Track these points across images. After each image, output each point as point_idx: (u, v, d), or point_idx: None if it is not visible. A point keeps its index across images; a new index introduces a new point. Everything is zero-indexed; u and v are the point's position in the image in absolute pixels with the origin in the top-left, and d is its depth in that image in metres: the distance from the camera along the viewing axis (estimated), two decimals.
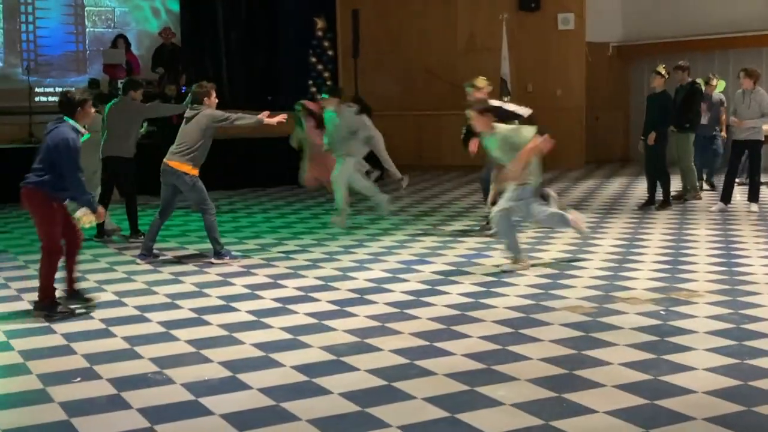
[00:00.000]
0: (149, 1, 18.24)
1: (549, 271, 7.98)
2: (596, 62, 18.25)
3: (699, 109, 12.67)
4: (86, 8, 17.73)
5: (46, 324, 6.38)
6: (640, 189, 13.54)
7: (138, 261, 8.59)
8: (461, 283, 7.56)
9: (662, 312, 6.46)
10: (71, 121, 6.56)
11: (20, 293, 7.33)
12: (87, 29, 17.76)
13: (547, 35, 17.64)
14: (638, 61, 19.03)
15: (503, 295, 7.09)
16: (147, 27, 18.17)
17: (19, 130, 13.92)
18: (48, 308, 6.57)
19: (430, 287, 7.42)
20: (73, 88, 7.00)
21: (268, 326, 6.29)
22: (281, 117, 8.86)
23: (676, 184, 12.53)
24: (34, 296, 7.21)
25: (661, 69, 11.71)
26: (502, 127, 8.18)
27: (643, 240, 9.50)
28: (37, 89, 16.44)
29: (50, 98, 16.71)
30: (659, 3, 18.20)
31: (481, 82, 10.24)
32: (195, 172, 8.46)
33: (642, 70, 18.76)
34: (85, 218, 6.66)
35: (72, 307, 6.72)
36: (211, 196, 8.74)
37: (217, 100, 8.83)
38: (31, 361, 5.50)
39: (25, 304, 6.95)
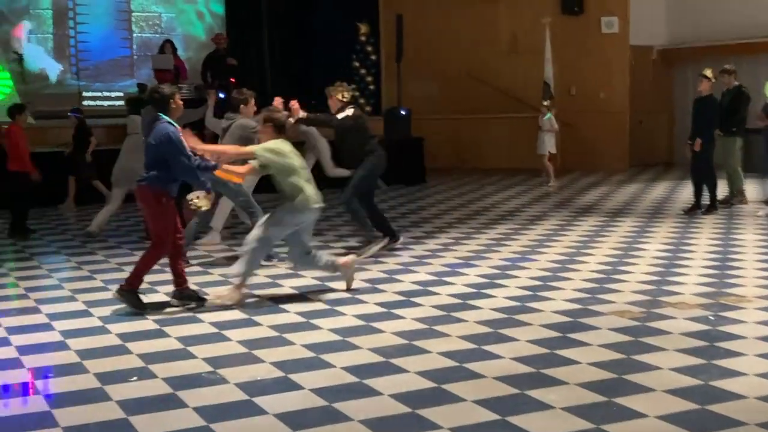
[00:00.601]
0: (193, 5, 18.47)
1: (596, 275, 7.97)
2: (640, 66, 18.14)
3: (745, 112, 12.53)
4: (134, 14, 18.01)
5: (101, 324, 6.53)
6: (686, 193, 13.45)
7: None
8: (507, 286, 7.59)
9: (711, 317, 6.44)
10: (165, 117, 6.83)
11: (74, 294, 7.49)
12: (134, 34, 18.03)
13: (591, 38, 17.58)
14: (682, 64, 18.88)
15: (550, 299, 7.10)
16: (192, 31, 18.41)
17: (67, 133, 14.17)
18: (128, 296, 6.80)
19: (476, 290, 7.45)
20: (163, 86, 7.27)
21: (318, 327, 6.37)
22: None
23: (722, 189, 12.42)
24: (89, 297, 7.40)
25: (708, 72, 11.63)
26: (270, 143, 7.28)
27: (689, 244, 9.45)
28: (85, 93, 16.74)
29: (98, 102, 17.04)
30: (704, 6, 18.04)
31: (335, 90, 9.23)
32: (238, 180, 8.53)
33: (686, 73, 18.61)
34: (199, 201, 6.85)
35: (186, 305, 6.96)
36: (258, 199, 8.86)
37: (255, 109, 8.88)
38: (87, 361, 5.63)
39: (79, 305, 7.10)
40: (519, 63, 17.80)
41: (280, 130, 7.27)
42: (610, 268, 8.31)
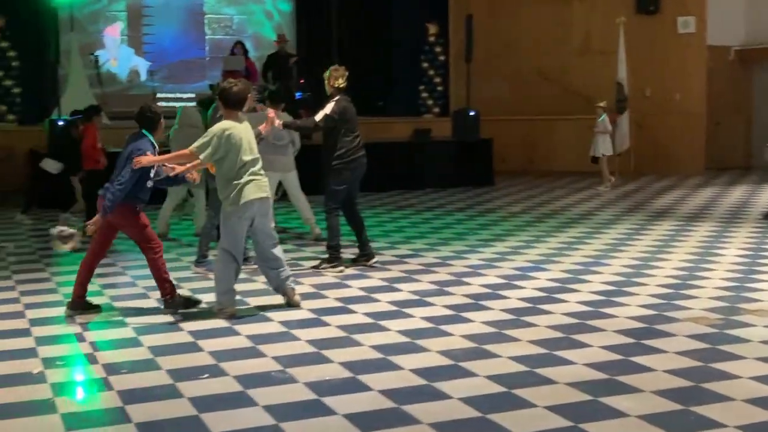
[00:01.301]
0: (261, 5, 18.64)
1: (671, 281, 7.79)
2: (717, 66, 17.71)
3: None
4: (206, 16, 18.27)
5: (174, 321, 6.61)
6: (764, 197, 13.08)
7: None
8: (579, 291, 7.46)
9: None
10: (148, 135, 6.87)
11: (147, 291, 7.60)
12: (206, 36, 18.29)
13: (666, 39, 17.21)
14: (761, 65, 18.36)
15: (624, 304, 6.95)
16: (262, 31, 18.59)
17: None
18: (173, 304, 6.84)
19: (547, 294, 7.34)
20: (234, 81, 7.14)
21: (386, 329, 6.35)
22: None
23: None
24: (158, 294, 7.49)
25: None
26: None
27: None
28: (159, 95, 17.02)
29: (171, 103, 17.31)
30: None
31: (330, 75, 8.46)
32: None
33: (765, 74, 18.10)
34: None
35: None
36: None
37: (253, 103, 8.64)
38: (160, 357, 5.70)
39: (152, 302, 7.21)
40: (591, 63, 17.52)
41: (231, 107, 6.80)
42: (686, 273, 8.11)
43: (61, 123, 12.72)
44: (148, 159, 6.71)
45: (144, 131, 6.89)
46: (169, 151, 8.36)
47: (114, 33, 17.03)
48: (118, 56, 17.19)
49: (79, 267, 6.94)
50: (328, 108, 8.33)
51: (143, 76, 16.78)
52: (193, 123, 10.46)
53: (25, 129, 14.39)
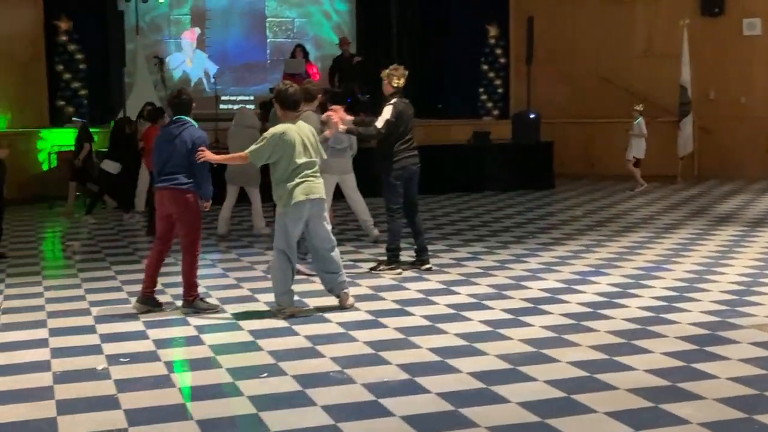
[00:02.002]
0: (319, 5, 18.76)
1: (735, 287, 7.64)
2: None
3: None
4: (267, 19, 18.45)
5: (234, 320, 6.70)
6: None
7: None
8: (640, 296, 7.36)
9: None
10: (189, 119, 6.95)
11: (208, 290, 7.70)
12: (268, 39, 18.48)
13: (731, 41, 16.86)
14: None
15: (686, 310, 6.84)
16: (321, 33, 18.71)
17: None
18: (197, 304, 6.98)
19: (607, 299, 7.26)
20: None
21: (444, 332, 6.34)
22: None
23: None
24: (222, 293, 7.62)
25: None
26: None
27: None
28: (222, 97, 17.24)
29: (233, 106, 17.53)
30: None
31: (389, 76, 8.37)
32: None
33: None
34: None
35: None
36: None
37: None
38: (221, 356, 5.79)
39: (213, 301, 7.29)
40: (654, 66, 17.25)
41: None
42: (750, 279, 7.94)
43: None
44: (211, 156, 6.84)
45: (185, 117, 6.94)
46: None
47: (191, 37, 17.39)
48: (193, 59, 17.55)
49: (146, 263, 7.07)
50: (387, 112, 8.28)
51: (210, 79, 17.04)
52: (249, 124, 10.63)
53: (92, 130, 14.70)
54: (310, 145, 6.85)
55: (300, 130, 6.83)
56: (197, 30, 17.39)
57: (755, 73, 16.90)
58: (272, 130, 6.83)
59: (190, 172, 6.79)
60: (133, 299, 7.25)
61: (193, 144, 6.77)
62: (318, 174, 6.89)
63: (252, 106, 15.28)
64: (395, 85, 8.38)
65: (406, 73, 8.48)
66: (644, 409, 4.72)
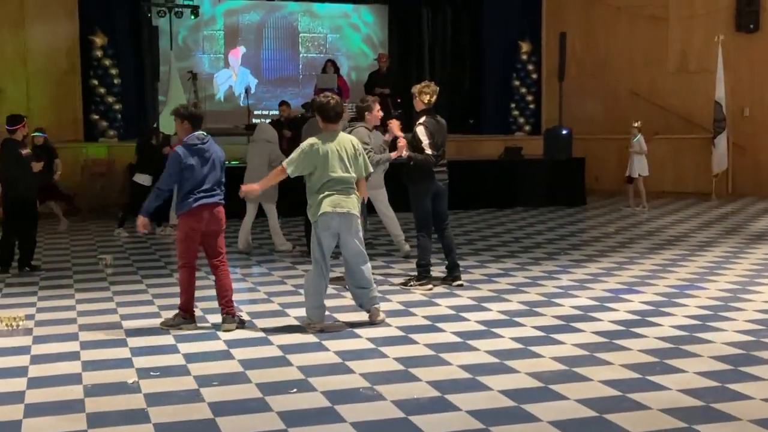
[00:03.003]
0: (347, 18, 18.85)
1: None
2: None
3: None
4: (300, 35, 18.57)
5: (264, 335, 6.70)
6: None
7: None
8: (674, 315, 7.27)
9: None
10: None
11: (238, 304, 7.70)
12: (300, 54, 18.60)
13: (767, 57, 16.69)
14: None
15: (720, 329, 6.75)
16: (352, 47, 18.80)
17: (236, 150, 14.75)
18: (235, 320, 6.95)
19: (640, 317, 7.18)
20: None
21: (474, 349, 6.30)
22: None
23: None
24: (252, 308, 7.63)
25: None
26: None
27: None
28: (255, 112, 17.36)
29: (265, 120, 17.64)
30: None
31: (420, 92, 8.44)
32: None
33: None
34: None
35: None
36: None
37: (381, 114, 8.67)
38: (250, 371, 5.78)
39: (243, 315, 7.30)
40: (688, 82, 17.13)
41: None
42: None
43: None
44: (255, 187, 7.13)
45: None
46: None
47: (236, 55, 17.69)
48: (238, 74, 17.83)
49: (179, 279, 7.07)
50: (423, 135, 8.27)
51: (249, 93, 17.22)
52: (267, 138, 10.67)
53: (125, 144, 14.84)
54: (347, 159, 6.84)
55: (339, 144, 6.84)
56: (242, 48, 17.69)
57: None
58: (306, 141, 6.87)
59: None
60: (165, 313, 7.29)
61: (222, 161, 6.93)
62: (352, 189, 6.88)
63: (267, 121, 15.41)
64: (426, 101, 8.39)
65: (437, 89, 8.49)
66: (677, 430, 4.65)
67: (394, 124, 8.52)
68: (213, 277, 7.14)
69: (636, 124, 14.79)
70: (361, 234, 7.04)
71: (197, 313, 7.27)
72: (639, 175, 14.66)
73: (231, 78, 17.88)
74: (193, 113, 7.06)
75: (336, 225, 6.78)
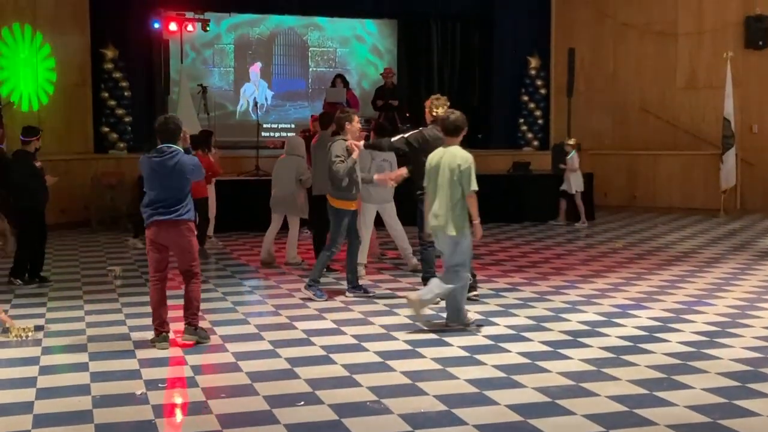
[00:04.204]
0: (352, 30, 18.94)
1: None
2: None
3: None
4: (310, 49, 18.66)
5: (272, 348, 6.72)
6: None
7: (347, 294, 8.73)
8: (681, 331, 7.27)
9: None
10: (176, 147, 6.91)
11: (247, 317, 7.75)
12: (310, 69, 18.68)
13: None
14: None
15: (728, 346, 6.74)
16: (362, 61, 18.87)
17: (247, 163, 14.82)
18: (199, 332, 6.89)
19: (647, 333, 7.17)
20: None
21: (482, 363, 6.31)
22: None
23: None
24: (260, 321, 7.64)
25: None
26: None
27: None
28: (263, 125, 17.43)
29: (273, 134, 17.72)
30: None
31: (429, 104, 8.73)
32: (338, 204, 8.48)
33: None
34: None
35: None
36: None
37: (359, 126, 8.74)
38: (258, 383, 5.80)
39: (252, 328, 7.34)
40: (697, 98, 17.13)
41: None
42: None
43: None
44: (480, 230, 7.32)
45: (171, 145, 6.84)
46: None
47: (256, 69, 17.83)
48: (258, 87, 18.01)
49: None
50: (409, 133, 8.57)
51: (234, 110, 17.32)
52: (299, 153, 10.69)
53: (135, 156, 14.89)
54: (440, 171, 7.26)
55: (440, 156, 7.31)
56: (260, 63, 17.81)
57: None
58: (470, 156, 7.23)
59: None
60: (172, 324, 7.32)
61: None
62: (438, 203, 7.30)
63: (293, 134, 15.43)
64: (434, 114, 8.46)
65: (447, 103, 8.56)
66: None
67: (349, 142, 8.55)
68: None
69: (570, 142, 14.73)
70: None
71: (206, 325, 7.29)
72: (576, 191, 14.54)
73: (254, 92, 18.04)
74: (156, 127, 6.94)
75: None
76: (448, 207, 7.17)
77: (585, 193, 15.24)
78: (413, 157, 8.55)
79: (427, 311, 7.60)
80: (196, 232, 7.04)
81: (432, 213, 7.28)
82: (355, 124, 8.61)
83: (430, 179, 7.35)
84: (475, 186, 7.19)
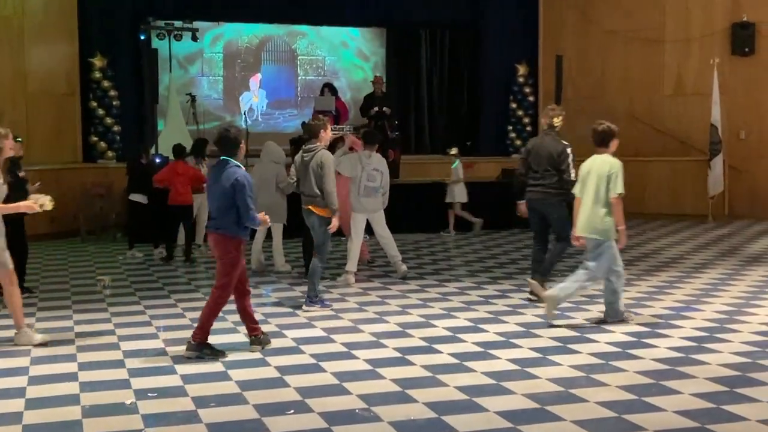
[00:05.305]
0: (344, 41, 18.97)
1: (766, 328, 7.56)
2: None
3: None
4: (299, 57, 18.68)
5: (261, 356, 6.71)
6: None
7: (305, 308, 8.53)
8: (670, 336, 7.30)
9: None
10: (233, 161, 6.84)
11: (236, 326, 7.74)
12: (299, 77, 18.70)
13: (762, 80, 16.79)
14: None
15: (716, 351, 6.78)
16: (349, 69, 18.89)
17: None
18: (203, 348, 6.71)
19: (636, 339, 7.20)
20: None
21: (471, 370, 6.32)
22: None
23: None
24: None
25: None
26: None
27: None
28: (253, 131, 17.42)
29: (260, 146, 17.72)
30: None
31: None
32: (324, 213, 8.43)
33: None
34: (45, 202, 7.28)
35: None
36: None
37: (331, 134, 8.71)
38: (247, 392, 5.80)
39: (241, 336, 7.33)
40: (684, 105, 17.23)
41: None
42: None
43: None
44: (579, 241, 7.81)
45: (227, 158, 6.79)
46: None
47: (255, 80, 17.88)
48: (258, 96, 18.06)
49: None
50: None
51: (224, 119, 17.30)
52: (275, 159, 10.71)
53: (124, 166, 14.91)
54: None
55: (592, 163, 7.75)
56: (259, 75, 17.83)
57: None
58: (619, 163, 7.62)
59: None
60: (163, 334, 7.32)
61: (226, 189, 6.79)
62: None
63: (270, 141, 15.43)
64: (543, 123, 9.16)
65: (563, 113, 9.20)
66: None
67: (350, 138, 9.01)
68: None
69: (452, 151, 14.65)
70: None
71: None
72: (457, 201, 14.34)
73: (252, 100, 18.05)
74: (218, 137, 6.92)
75: None
76: (594, 213, 7.60)
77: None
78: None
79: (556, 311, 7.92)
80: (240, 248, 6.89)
81: (580, 219, 7.73)
82: (329, 132, 8.58)
83: (581, 186, 7.79)
84: (620, 189, 7.59)
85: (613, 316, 7.78)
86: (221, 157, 6.85)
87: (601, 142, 7.87)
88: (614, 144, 7.92)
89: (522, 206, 9.14)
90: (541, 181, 8.84)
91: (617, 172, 7.62)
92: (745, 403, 5.46)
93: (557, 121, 8.96)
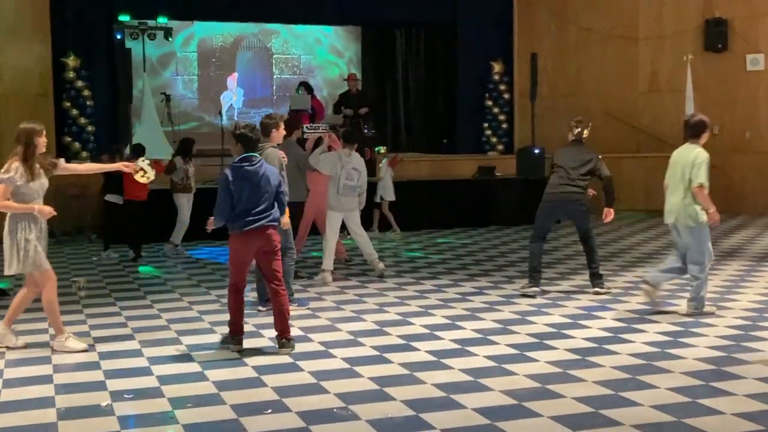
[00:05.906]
0: (319, 40, 18.97)
1: (741, 322, 7.63)
2: None
3: None
4: (274, 56, 18.64)
5: (238, 356, 6.68)
6: None
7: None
8: (646, 331, 7.34)
9: None
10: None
11: (213, 326, 7.71)
12: (274, 76, 18.65)
13: (735, 76, 16.96)
14: None
15: (691, 345, 6.83)
16: (324, 67, 18.87)
17: (211, 171, 14.72)
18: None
19: (612, 335, 7.24)
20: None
21: (449, 367, 6.33)
22: None
23: None
24: (226, 330, 7.59)
25: None
26: None
27: None
28: (228, 130, 17.38)
29: None
30: None
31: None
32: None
33: None
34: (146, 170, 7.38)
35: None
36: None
37: (285, 132, 8.39)
38: (224, 392, 5.77)
39: (217, 337, 7.30)
40: (659, 101, 17.36)
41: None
42: (756, 314, 7.93)
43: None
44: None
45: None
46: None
47: (233, 78, 17.81)
48: (236, 94, 17.99)
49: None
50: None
51: (199, 118, 17.25)
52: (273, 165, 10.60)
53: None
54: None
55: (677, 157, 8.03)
56: (236, 74, 17.78)
57: (759, 108, 17.00)
58: (705, 154, 7.87)
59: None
60: (138, 335, 7.28)
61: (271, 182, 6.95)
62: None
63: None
64: (570, 133, 9.50)
65: (590, 124, 9.64)
66: None
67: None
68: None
69: (381, 150, 14.66)
70: None
71: (171, 335, 7.25)
72: (382, 198, 14.24)
73: (232, 99, 17.99)
74: (242, 134, 6.88)
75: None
76: (680, 200, 7.88)
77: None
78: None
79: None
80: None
81: (667, 208, 8.02)
82: (282, 131, 8.26)
83: (669, 175, 8.06)
84: (701, 179, 7.83)
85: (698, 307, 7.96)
86: (248, 153, 6.85)
87: (693, 133, 8.07)
88: (705, 136, 8.12)
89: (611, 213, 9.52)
90: (574, 183, 9.24)
91: (702, 163, 7.85)
92: (721, 397, 5.50)
93: (586, 133, 9.50)
